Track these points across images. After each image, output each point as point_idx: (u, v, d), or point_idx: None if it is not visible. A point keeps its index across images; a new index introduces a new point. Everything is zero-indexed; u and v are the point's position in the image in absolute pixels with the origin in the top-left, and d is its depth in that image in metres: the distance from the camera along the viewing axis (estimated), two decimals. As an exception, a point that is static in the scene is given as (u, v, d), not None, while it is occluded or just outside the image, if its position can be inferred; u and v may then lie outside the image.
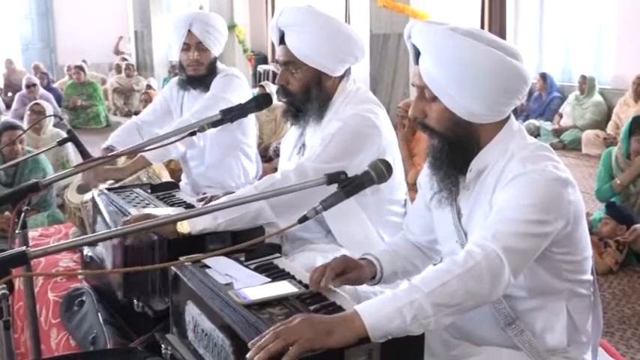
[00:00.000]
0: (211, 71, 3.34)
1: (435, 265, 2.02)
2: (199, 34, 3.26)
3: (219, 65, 3.40)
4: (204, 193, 2.91)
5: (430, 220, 1.98)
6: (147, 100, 8.77)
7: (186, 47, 3.30)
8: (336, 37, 2.35)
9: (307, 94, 2.37)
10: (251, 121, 3.47)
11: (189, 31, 3.27)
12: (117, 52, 16.39)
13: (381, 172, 1.76)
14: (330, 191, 1.74)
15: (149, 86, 11.48)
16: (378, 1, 7.81)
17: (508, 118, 1.79)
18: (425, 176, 1.95)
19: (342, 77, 2.41)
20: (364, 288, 2.00)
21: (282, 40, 2.37)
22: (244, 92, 3.32)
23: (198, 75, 3.32)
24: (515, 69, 1.69)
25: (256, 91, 8.88)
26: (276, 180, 2.19)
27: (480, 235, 1.61)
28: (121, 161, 3.09)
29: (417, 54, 1.76)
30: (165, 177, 3.21)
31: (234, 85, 3.29)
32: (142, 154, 3.02)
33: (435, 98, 1.73)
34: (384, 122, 2.36)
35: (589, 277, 1.81)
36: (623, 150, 5.08)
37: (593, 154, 8.16)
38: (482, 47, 1.67)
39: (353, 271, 1.84)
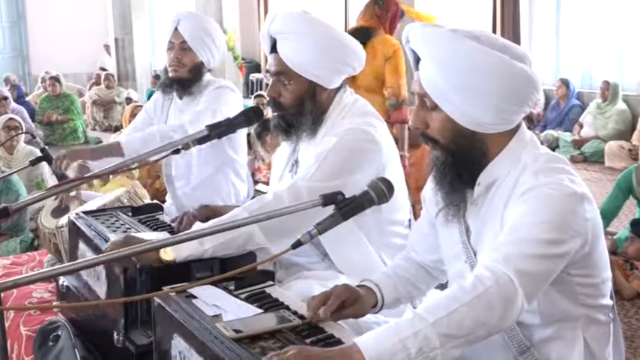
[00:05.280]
0: (195, 76, 3.35)
1: (441, 289, 2.02)
2: (185, 33, 3.29)
3: (209, 77, 3.42)
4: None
5: (435, 238, 1.98)
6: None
7: (170, 46, 3.34)
8: (332, 46, 2.36)
9: (300, 107, 2.38)
10: (241, 135, 3.48)
11: (175, 29, 3.31)
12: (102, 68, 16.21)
13: (381, 191, 1.77)
14: (327, 213, 1.75)
15: (129, 99, 11.48)
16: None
17: (519, 126, 1.79)
18: (430, 190, 1.95)
19: (338, 89, 2.43)
20: (365, 317, 1.99)
21: (273, 49, 2.38)
22: (238, 106, 3.34)
23: (178, 77, 3.33)
24: (523, 73, 1.70)
25: (251, 102, 8.90)
26: (268, 201, 2.20)
27: (490, 258, 1.61)
28: (97, 183, 3.11)
29: (417, 59, 1.78)
30: (146, 198, 3.22)
31: (227, 98, 3.31)
32: (120, 143, 3.08)
33: (436, 107, 1.74)
34: (384, 136, 2.38)
35: (608, 301, 1.82)
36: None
37: (617, 167, 8.17)
38: (486, 50, 1.68)
39: (353, 303, 1.83)
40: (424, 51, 1.75)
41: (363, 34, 4.36)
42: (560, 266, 1.64)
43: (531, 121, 10.24)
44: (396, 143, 4.43)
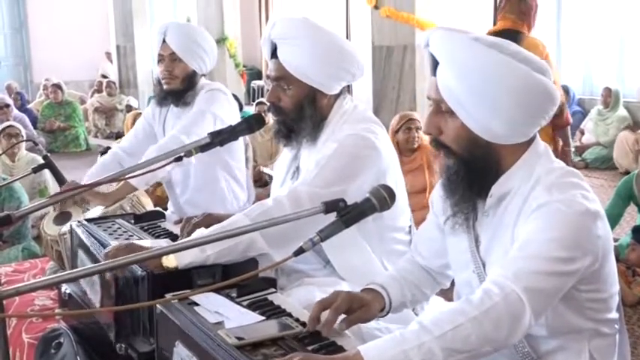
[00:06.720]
0: (189, 86, 3.37)
1: (442, 295, 2.01)
2: (173, 44, 3.31)
3: (202, 81, 3.43)
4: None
5: (442, 243, 1.97)
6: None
7: (160, 58, 3.36)
8: (332, 53, 2.37)
9: (300, 112, 2.39)
10: (238, 141, 3.48)
11: (163, 40, 3.33)
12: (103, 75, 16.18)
13: (383, 198, 1.76)
14: (328, 218, 1.75)
15: (129, 106, 11.50)
16: (381, 10, 7.86)
17: (533, 138, 1.77)
18: (438, 197, 1.93)
19: (338, 95, 2.44)
20: (368, 324, 1.98)
21: (274, 54, 2.40)
22: (230, 108, 3.36)
23: (172, 89, 3.36)
24: (542, 86, 1.68)
25: (252, 109, 8.92)
26: (269, 207, 2.20)
27: (499, 274, 1.59)
28: (105, 189, 3.11)
29: (435, 64, 1.75)
30: (148, 205, 3.22)
31: (220, 100, 3.34)
32: (130, 183, 3.04)
33: (452, 113, 1.72)
34: (384, 142, 2.38)
35: (614, 315, 1.81)
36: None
37: (620, 162, 8.21)
38: (507, 60, 1.66)
39: (359, 309, 1.81)
40: (444, 56, 1.72)
41: (509, 39, 3.89)
42: (570, 284, 1.63)
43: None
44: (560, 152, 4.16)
